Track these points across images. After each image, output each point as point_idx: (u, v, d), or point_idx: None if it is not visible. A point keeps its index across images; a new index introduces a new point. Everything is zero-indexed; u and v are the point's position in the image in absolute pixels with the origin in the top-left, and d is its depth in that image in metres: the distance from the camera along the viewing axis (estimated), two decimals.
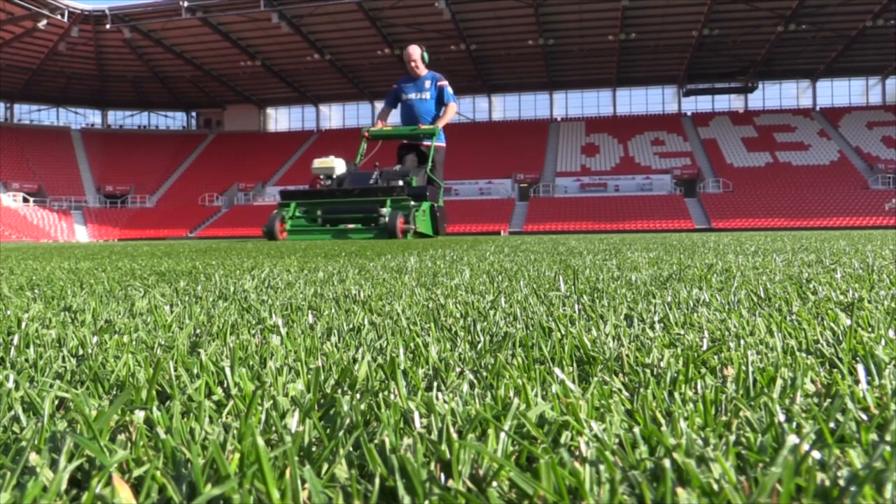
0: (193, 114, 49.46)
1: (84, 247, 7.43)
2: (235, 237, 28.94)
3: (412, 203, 7.97)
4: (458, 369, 0.68)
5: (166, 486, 0.37)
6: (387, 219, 7.61)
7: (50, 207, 38.38)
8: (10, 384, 0.61)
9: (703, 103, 44.37)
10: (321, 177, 8.71)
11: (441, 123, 8.62)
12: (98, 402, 0.56)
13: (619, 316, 1.03)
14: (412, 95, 8.77)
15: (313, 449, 0.44)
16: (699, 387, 0.59)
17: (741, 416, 0.49)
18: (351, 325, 0.97)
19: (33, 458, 0.41)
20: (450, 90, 8.73)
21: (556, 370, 0.64)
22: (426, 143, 8.76)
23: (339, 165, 8.74)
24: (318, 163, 8.77)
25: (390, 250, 3.85)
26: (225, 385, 0.62)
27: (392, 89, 9.02)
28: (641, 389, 0.57)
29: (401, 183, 8.27)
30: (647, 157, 39.29)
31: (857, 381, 0.59)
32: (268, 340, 0.85)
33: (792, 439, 0.39)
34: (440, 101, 8.79)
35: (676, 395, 0.55)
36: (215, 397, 0.58)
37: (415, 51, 8.68)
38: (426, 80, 8.75)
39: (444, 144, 8.88)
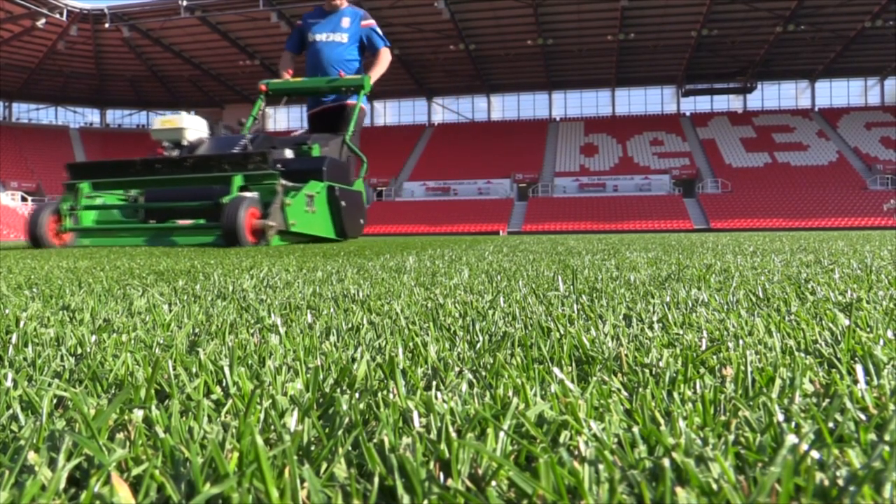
0: (192, 113, 49.42)
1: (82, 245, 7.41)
2: None
3: (283, 184, 4.92)
4: (457, 369, 0.68)
5: (165, 485, 0.37)
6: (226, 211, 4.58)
7: None
8: (9, 383, 0.61)
9: (701, 103, 44.46)
10: (164, 144, 5.71)
11: (374, 74, 6.10)
12: (97, 400, 0.56)
13: (618, 316, 1.03)
14: (322, 36, 6.16)
15: (312, 448, 0.44)
16: (698, 386, 0.59)
17: (740, 415, 0.49)
18: (350, 325, 0.97)
19: (32, 456, 0.41)
20: (380, 31, 6.32)
21: (555, 370, 0.64)
22: (351, 101, 6.14)
23: (192, 126, 5.74)
24: (160, 122, 5.80)
25: (389, 250, 3.85)
26: (224, 384, 0.62)
27: (297, 26, 6.52)
28: (640, 389, 0.57)
29: (289, 153, 5.44)
30: (646, 157, 39.32)
31: (855, 381, 0.59)
32: (266, 340, 0.85)
33: (791, 439, 0.39)
34: (364, 48, 6.34)
35: (675, 394, 0.55)
36: (214, 396, 0.58)
37: None
38: (344, 15, 6.19)
39: (366, 106, 6.43)
